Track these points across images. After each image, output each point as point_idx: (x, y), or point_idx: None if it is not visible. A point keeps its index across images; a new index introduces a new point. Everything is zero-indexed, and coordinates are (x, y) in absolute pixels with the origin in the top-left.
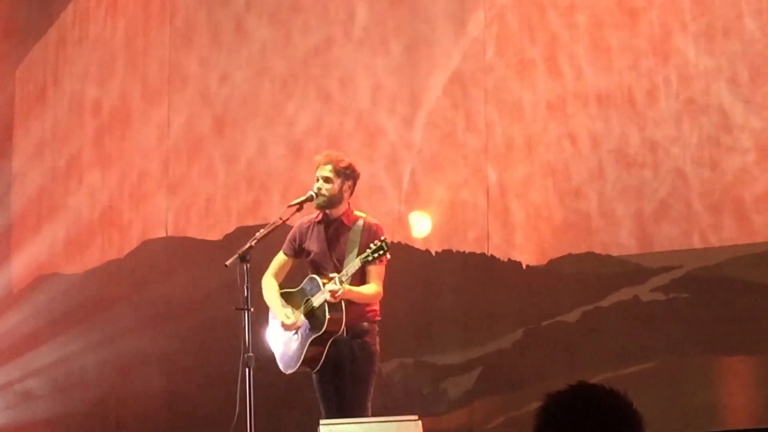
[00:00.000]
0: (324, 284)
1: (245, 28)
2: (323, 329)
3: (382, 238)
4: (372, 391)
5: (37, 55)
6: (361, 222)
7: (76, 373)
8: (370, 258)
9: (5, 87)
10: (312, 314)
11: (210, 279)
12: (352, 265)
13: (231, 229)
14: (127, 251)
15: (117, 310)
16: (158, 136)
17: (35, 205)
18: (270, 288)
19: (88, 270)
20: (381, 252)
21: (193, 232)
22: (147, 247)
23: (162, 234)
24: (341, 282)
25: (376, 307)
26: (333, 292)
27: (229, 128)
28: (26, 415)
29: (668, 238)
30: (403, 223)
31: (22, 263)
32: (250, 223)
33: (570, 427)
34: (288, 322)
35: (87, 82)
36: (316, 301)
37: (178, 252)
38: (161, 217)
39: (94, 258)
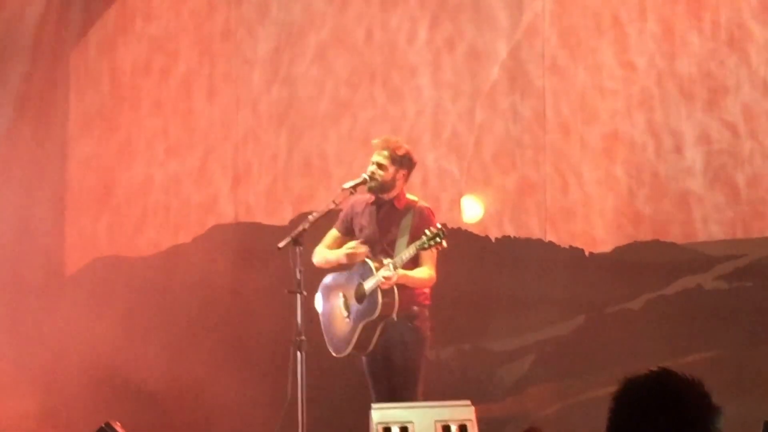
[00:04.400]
0: (376, 269)
1: (312, 21)
2: (376, 314)
3: (439, 225)
4: (422, 374)
5: (95, 35)
6: (412, 206)
7: (136, 358)
8: (426, 246)
9: (60, 66)
10: (364, 298)
11: (276, 264)
12: (407, 252)
13: (295, 214)
14: (194, 236)
15: (184, 294)
16: (225, 122)
17: (94, 186)
18: (323, 251)
19: (152, 254)
20: (438, 239)
21: (259, 218)
22: (215, 232)
23: (230, 220)
24: (395, 267)
25: (427, 290)
26: (387, 279)
27: (294, 116)
28: (81, 398)
29: (733, 226)
30: (462, 209)
31: (77, 244)
32: (316, 209)
33: (649, 412)
34: (356, 249)
35: (149, 68)
36: (368, 285)
37: (246, 237)
38: (228, 203)
39: (158, 242)
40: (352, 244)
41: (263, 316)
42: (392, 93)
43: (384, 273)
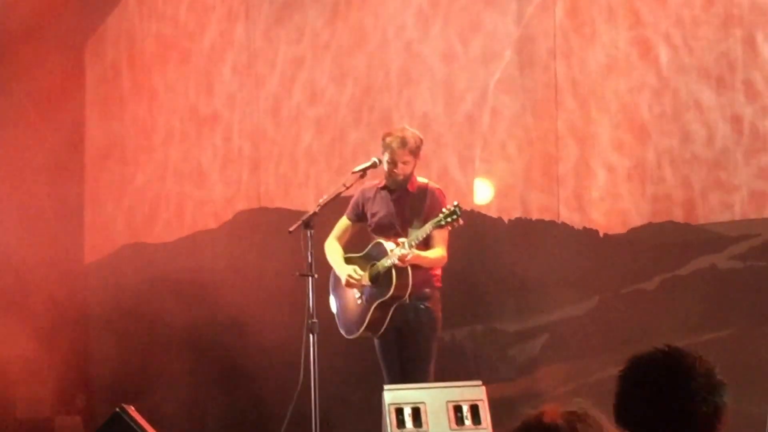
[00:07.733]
0: (391, 249)
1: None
2: (390, 294)
3: (455, 203)
4: (434, 355)
5: (112, 24)
6: (424, 188)
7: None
8: (443, 222)
9: (75, 58)
10: (377, 279)
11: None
12: (423, 230)
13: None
14: (221, 222)
15: (213, 281)
16: (250, 111)
17: (113, 174)
18: (333, 250)
19: (175, 240)
20: (454, 217)
21: (284, 203)
22: (241, 217)
23: (255, 205)
24: (410, 246)
25: (439, 272)
26: (402, 257)
27: (320, 106)
28: (98, 385)
29: (747, 206)
30: (475, 190)
31: (99, 232)
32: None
33: (655, 389)
34: (355, 277)
35: (169, 57)
36: (383, 265)
37: (271, 222)
38: (253, 189)
39: (182, 228)
40: (358, 273)
41: (286, 299)
42: (408, 81)
43: (399, 252)
